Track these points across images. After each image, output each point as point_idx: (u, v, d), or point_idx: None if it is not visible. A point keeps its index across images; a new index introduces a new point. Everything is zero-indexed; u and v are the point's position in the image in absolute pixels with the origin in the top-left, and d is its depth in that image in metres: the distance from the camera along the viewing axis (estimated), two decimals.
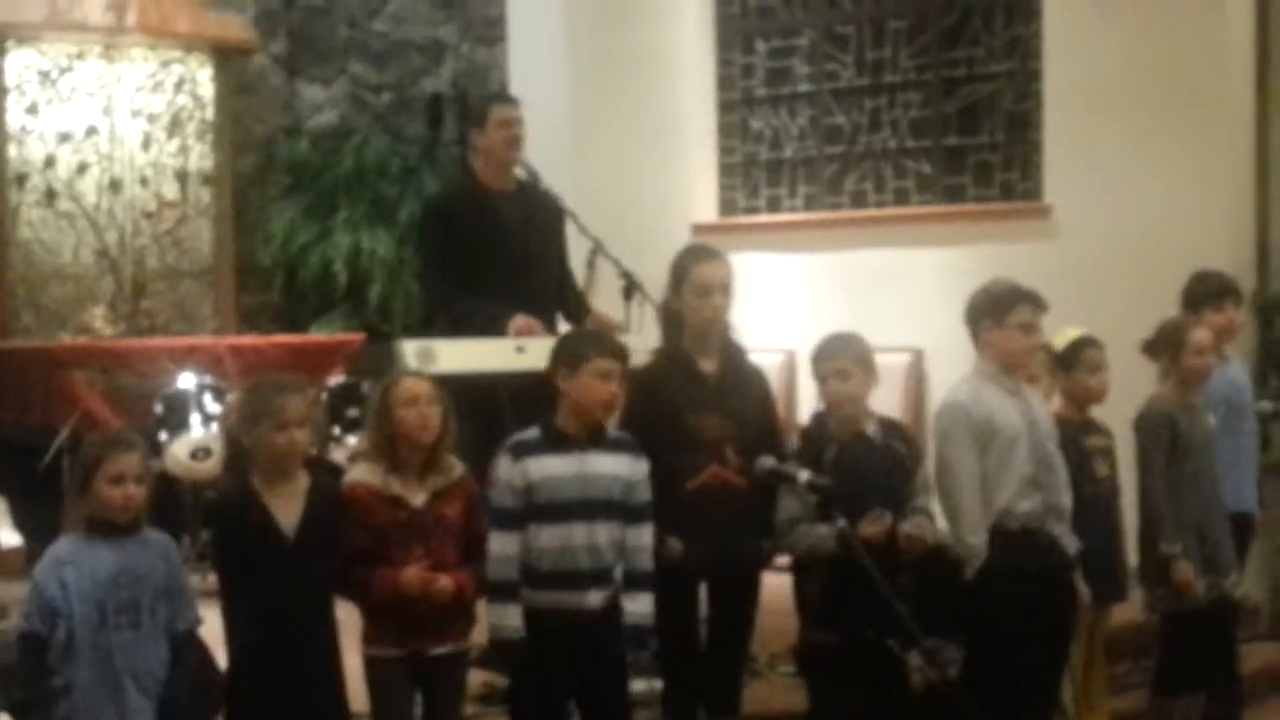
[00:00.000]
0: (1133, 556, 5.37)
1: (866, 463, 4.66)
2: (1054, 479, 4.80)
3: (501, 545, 4.28)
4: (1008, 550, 4.67)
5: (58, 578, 3.89)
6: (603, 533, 4.30)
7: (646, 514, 4.39)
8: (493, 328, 5.27)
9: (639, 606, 4.35)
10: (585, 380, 4.30)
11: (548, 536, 4.28)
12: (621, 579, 4.38)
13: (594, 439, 4.36)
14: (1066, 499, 4.83)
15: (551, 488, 4.29)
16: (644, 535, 4.39)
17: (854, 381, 4.70)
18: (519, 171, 5.71)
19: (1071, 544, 4.82)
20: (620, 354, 4.44)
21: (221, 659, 4.23)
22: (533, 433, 4.38)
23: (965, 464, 4.70)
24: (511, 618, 4.27)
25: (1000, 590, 4.64)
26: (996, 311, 4.85)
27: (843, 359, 4.72)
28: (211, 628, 4.22)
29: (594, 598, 4.31)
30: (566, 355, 4.39)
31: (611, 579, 4.35)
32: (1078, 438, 5.16)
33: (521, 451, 4.33)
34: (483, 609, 4.42)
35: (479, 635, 4.46)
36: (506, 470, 4.32)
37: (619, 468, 4.36)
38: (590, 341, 4.54)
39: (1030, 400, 4.85)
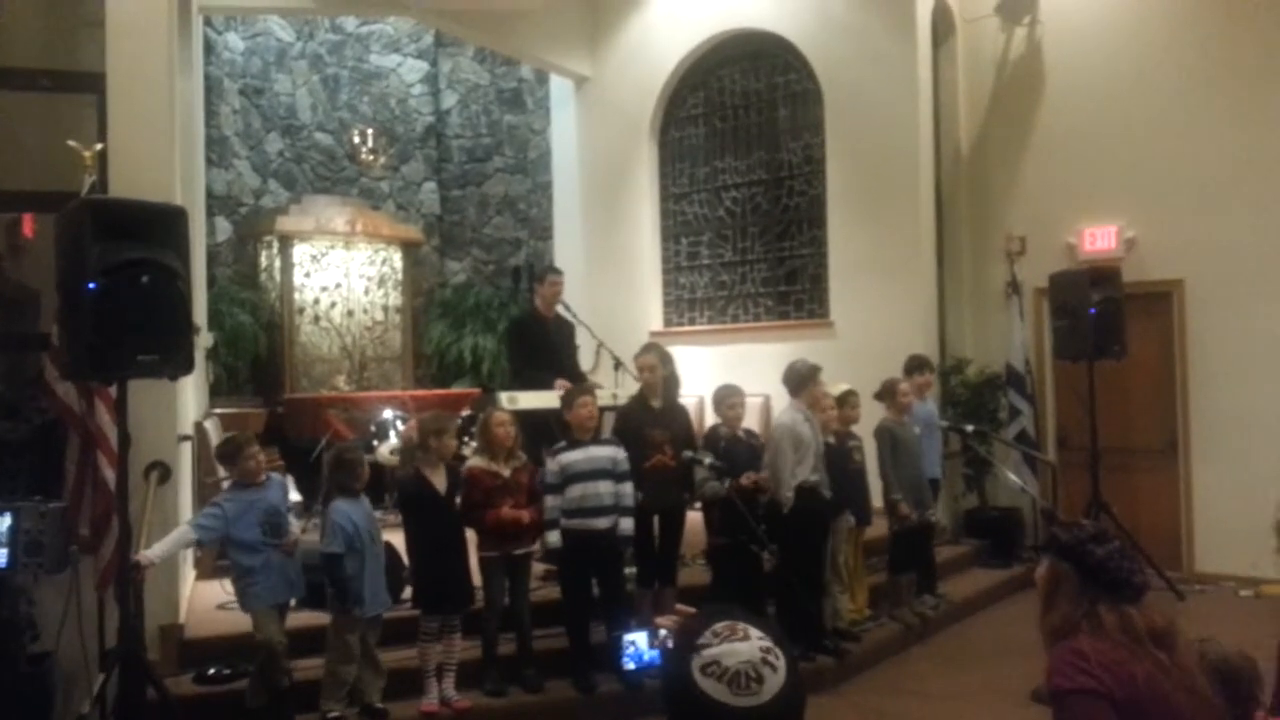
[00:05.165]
0: (877, 502, 5.41)
1: (741, 450, 4.72)
2: (821, 464, 4.85)
3: (551, 501, 4.30)
4: (802, 497, 4.71)
5: (348, 519, 3.91)
6: (602, 487, 4.31)
7: (628, 477, 4.39)
8: (544, 386, 5.24)
9: (627, 525, 4.37)
10: (575, 410, 4.37)
11: (573, 490, 4.29)
12: (619, 513, 4.36)
13: (592, 439, 4.40)
14: (824, 473, 4.86)
15: (573, 465, 4.31)
16: (627, 489, 4.39)
17: (741, 409, 4.81)
18: (559, 308, 5.74)
19: (828, 493, 4.86)
20: (590, 392, 4.52)
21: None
22: (562, 443, 4.41)
23: (786, 455, 4.74)
24: (555, 537, 4.28)
25: (799, 517, 4.69)
26: (813, 376, 4.93)
27: (739, 397, 4.80)
28: (397, 544, 4.26)
29: (601, 522, 4.30)
30: (566, 401, 4.47)
31: (610, 513, 4.33)
32: (846, 442, 5.21)
33: (557, 452, 4.37)
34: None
35: (540, 546, 4.48)
36: (550, 463, 4.34)
37: (607, 452, 4.38)
38: (575, 391, 4.56)
39: (814, 423, 4.89)
